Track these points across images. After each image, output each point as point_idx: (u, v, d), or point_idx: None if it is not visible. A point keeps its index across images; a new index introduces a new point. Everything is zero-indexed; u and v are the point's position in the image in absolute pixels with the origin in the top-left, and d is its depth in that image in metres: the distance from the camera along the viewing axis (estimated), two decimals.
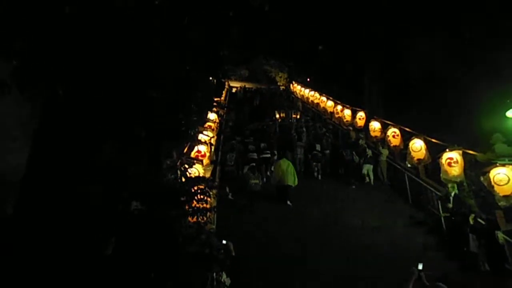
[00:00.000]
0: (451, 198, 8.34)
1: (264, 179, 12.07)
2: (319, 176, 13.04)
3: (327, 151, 13.84)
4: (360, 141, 13.57)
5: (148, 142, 4.21)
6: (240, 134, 15.48)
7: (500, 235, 6.82)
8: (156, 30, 4.08)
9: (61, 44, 3.44)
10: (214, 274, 5.21)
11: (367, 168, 12.50)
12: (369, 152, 12.73)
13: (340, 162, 13.25)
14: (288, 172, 10.75)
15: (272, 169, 11.81)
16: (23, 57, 3.22)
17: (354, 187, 12.13)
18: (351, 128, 15.82)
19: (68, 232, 3.11)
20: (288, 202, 10.54)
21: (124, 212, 3.66)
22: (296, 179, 10.87)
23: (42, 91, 3.48)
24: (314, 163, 13.25)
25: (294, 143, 14.11)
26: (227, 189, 10.17)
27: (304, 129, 16.28)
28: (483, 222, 7.56)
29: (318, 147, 13.74)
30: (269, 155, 13.02)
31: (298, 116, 20.44)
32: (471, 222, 7.47)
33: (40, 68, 3.33)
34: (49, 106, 3.64)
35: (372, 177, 12.46)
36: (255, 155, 12.75)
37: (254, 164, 11.64)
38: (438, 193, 9.27)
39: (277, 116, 19.82)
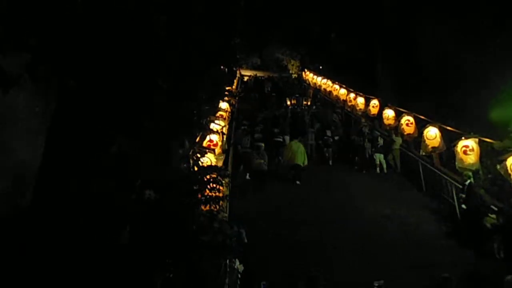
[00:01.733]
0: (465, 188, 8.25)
1: (276, 161, 12.38)
2: (330, 162, 13.27)
3: (337, 137, 14.10)
4: (364, 128, 13.73)
5: (160, 132, 4.25)
6: (252, 120, 15.80)
7: None
8: (165, 20, 4.08)
9: (72, 37, 3.47)
10: (227, 261, 5.30)
11: (379, 157, 12.54)
12: (381, 141, 12.78)
13: (351, 148, 13.42)
14: (298, 152, 11.11)
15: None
16: (37, 51, 3.27)
17: (364, 172, 12.24)
18: (361, 115, 15.79)
19: (84, 222, 3.19)
20: (297, 182, 10.81)
21: (137, 201, 3.72)
22: (306, 159, 11.23)
23: (55, 84, 3.54)
24: (325, 149, 13.51)
25: (306, 129, 14.46)
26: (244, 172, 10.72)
27: (316, 116, 16.60)
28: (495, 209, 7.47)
29: (328, 132, 14.03)
30: (281, 139, 13.31)
31: (309, 103, 20.64)
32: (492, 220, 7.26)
33: (53, 61, 3.37)
34: (62, 98, 3.70)
35: (384, 165, 12.47)
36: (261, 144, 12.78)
37: (261, 144, 11.66)
38: (454, 181, 9.16)
39: (288, 103, 20.15)
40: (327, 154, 13.41)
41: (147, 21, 3.74)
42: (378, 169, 12.47)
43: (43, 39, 3.25)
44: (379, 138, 13.01)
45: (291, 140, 12.85)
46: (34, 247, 2.92)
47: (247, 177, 10.98)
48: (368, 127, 13.97)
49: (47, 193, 3.32)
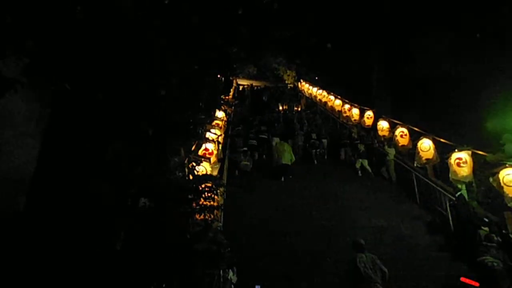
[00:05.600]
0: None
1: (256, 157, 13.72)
2: (315, 161, 14.46)
3: (324, 140, 15.44)
4: (353, 134, 14.78)
5: (156, 139, 4.25)
6: (247, 123, 17.18)
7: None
8: (164, 27, 4.10)
9: (70, 42, 3.48)
10: (221, 271, 5.25)
11: (361, 162, 13.07)
12: (361, 147, 13.43)
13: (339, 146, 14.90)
14: (285, 151, 12.31)
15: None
16: (34, 55, 3.27)
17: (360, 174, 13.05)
18: (349, 122, 16.84)
19: (78, 227, 3.16)
20: (282, 179, 12.03)
21: (132, 208, 3.70)
22: (293, 158, 12.49)
23: (51, 89, 3.53)
24: (312, 150, 14.64)
25: (296, 132, 15.58)
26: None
27: (306, 121, 18.26)
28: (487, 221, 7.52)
29: (314, 135, 15.28)
30: (266, 136, 14.89)
31: (299, 109, 22.66)
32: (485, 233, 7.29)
33: (50, 65, 3.37)
34: (58, 103, 3.69)
35: (369, 170, 12.98)
36: (254, 142, 14.30)
37: (246, 149, 13.17)
38: (447, 193, 9.21)
39: (280, 108, 22.27)
40: (312, 155, 14.55)
41: (145, 27, 3.77)
42: (359, 172, 13.08)
43: (41, 43, 3.25)
44: (359, 144, 13.67)
45: (280, 141, 13.90)
46: (28, 250, 2.89)
47: (236, 173, 12.38)
48: (356, 133, 15.00)
49: (41, 197, 3.30)
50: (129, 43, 3.69)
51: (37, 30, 3.14)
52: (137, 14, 3.69)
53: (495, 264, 5.94)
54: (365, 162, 13.08)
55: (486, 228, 7.47)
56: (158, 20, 3.92)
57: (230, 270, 5.58)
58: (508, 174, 6.95)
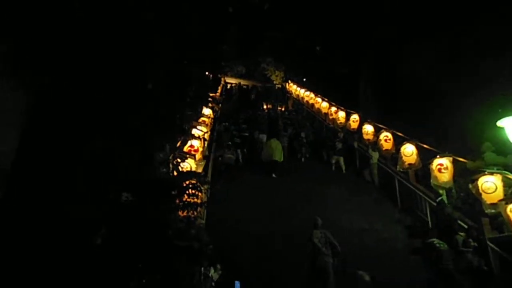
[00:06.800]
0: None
1: (239, 154, 14.08)
2: (302, 159, 15.10)
3: (309, 139, 16.27)
4: (339, 134, 15.33)
5: (141, 133, 4.19)
6: (233, 120, 17.79)
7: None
8: (152, 21, 4.05)
9: (53, 34, 3.41)
10: (202, 268, 5.23)
11: (337, 159, 13.94)
12: (339, 145, 14.21)
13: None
14: (277, 149, 12.92)
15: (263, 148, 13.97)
16: (14, 43, 3.20)
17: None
18: (333, 125, 17.41)
19: (56, 220, 3.10)
20: (273, 175, 12.51)
21: (114, 202, 3.65)
22: (282, 156, 13.05)
23: (35, 80, 3.45)
24: (299, 148, 15.31)
25: (281, 133, 15.91)
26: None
27: (289, 121, 18.96)
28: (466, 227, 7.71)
29: (303, 134, 16.15)
30: (247, 134, 15.67)
31: (283, 109, 23.43)
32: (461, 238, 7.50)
33: (31, 55, 3.30)
34: (40, 94, 3.61)
35: (343, 167, 13.79)
36: (238, 140, 14.93)
37: (230, 143, 13.80)
38: (428, 198, 9.38)
39: (265, 107, 22.95)
40: (299, 154, 15.17)
41: (134, 20, 3.72)
42: (333, 167, 13.94)
43: (22, 30, 3.18)
44: (337, 142, 14.36)
45: (268, 138, 14.40)
46: (4, 243, 2.82)
47: (222, 167, 12.75)
48: (341, 132, 15.46)
49: (19, 190, 3.22)
50: (114, 34, 3.64)
51: (19, 19, 3.07)
52: (125, 6, 3.64)
53: (441, 245, 6.91)
54: (341, 159, 13.86)
55: (463, 233, 7.65)
56: (149, 13, 3.87)
57: (211, 267, 5.56)
58: (486, 182, 7.10)
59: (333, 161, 14.04)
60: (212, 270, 5.59)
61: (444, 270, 6.66)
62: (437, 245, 6.94)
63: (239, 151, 14.10)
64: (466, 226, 7.82)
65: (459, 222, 8.07)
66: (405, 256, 8.12)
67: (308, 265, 6.71)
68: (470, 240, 7.25)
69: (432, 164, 8.69)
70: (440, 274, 6.69)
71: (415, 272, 7.32)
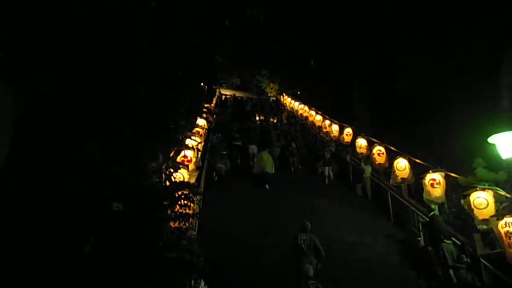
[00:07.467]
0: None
1: (229, 163, 13.95)
2: (293, 169, 15.26)
3: (301, 151, 16.43)
4: (330, 147, 15.53)
5: (134, 141, 4.15)
6: (226, 131, 17.79)
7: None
8: (147, 29, 4.05)
9: (47, 39, 3.39)
10: (193, 281, 5.14)
11: (328, 170, 14.16)
12: (328, 155, 14.53)
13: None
14: (268, 161, 13.27)
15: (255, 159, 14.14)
16: (7, 48, 3.17)
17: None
18: (326, 137, 17.61)
19: (45, 228, 3.03)
20: (267, 186, 12.73)
21: (105, 211, 3.58)
22: (273, 168, 13.34)
23: (26, 84, 3.42)
24: (290, 158, 15.45)
25: (273, 143, 16.20)
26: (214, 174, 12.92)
27: (282, 133, 19.01)
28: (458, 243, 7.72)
29: (294, 145, 16.35)
30: (240, 143, 15.88)
31: (275, 121, 23.70)
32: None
33: (25, 61, 3.27)
34: (31, 100, 3.57)
35: (332, 176, 14.12)
36: (227, 151, 14.84)
37: (224, 153, 14.02)
38: (420, 213, 9.38)
39: (257, 118, 23.32)
40: (291, 166, 15.27)
41: (129, 27, 3.71)
42: (326, 180, 14.03)
43: (16, 35, 3.15)
44: (325, 152, 14.67)
45: (259, 150, 14.63)
46: None
47: (215, 177, 13.12)
48: (333, 146, 15.67)
49: (8, 196, 3.15)
50: (109, 40, 3.63)
51: (12, 23, 3.05)
52: (119, 12, 3.64)
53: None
54: (329, 169, 14.18)
55: (453, 247, 7.66)
56: (141, 20, 3.87)
57: (201, 280, 5.46)
58: (478, 197, 7.12)
59: (326, 174, 14.16)
60: (202, 283, 5.50)
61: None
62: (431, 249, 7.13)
63: (229, 161, 14.21)
64: (459, 243, 7.83)
65: (452, 238, 8.07)
66: (397, 270, 8.09)
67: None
68: (463, 256, 7.24)
69: (425, 179, 8.71)
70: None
71: (407, 287, 7.29)
